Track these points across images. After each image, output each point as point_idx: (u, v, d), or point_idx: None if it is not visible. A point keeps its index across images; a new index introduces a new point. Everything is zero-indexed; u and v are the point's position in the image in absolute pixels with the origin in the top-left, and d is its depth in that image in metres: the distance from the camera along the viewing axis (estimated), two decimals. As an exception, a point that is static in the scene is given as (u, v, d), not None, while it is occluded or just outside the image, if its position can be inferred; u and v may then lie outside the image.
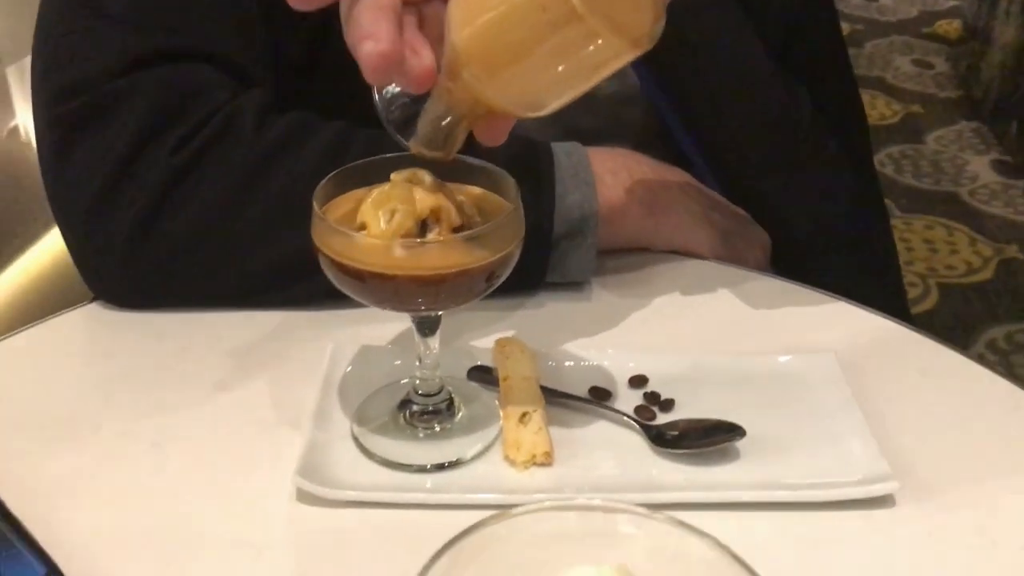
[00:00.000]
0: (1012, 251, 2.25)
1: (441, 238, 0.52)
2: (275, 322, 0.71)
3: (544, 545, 0.34)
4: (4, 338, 0.71)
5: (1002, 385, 0.64)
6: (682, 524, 0.35)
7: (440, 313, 0.57)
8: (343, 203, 0.56)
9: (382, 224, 0.52)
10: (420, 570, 0.33)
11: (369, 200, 0.53)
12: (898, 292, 1.00)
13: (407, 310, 0.55)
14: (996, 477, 0.58)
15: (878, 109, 2.85)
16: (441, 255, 0.51)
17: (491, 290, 0.55)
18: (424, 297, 0.52)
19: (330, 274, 0.53)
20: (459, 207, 0.54)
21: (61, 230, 0.71)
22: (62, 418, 0.63)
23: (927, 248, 2.26)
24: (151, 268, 0.69)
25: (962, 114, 2.84)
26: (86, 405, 0.65)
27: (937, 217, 2.38)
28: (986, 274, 2.17)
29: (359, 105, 0.65)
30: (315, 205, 0.53)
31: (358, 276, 0.52)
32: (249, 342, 0.69)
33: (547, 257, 0.72)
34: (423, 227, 0.52)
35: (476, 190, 0.57)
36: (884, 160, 2.59)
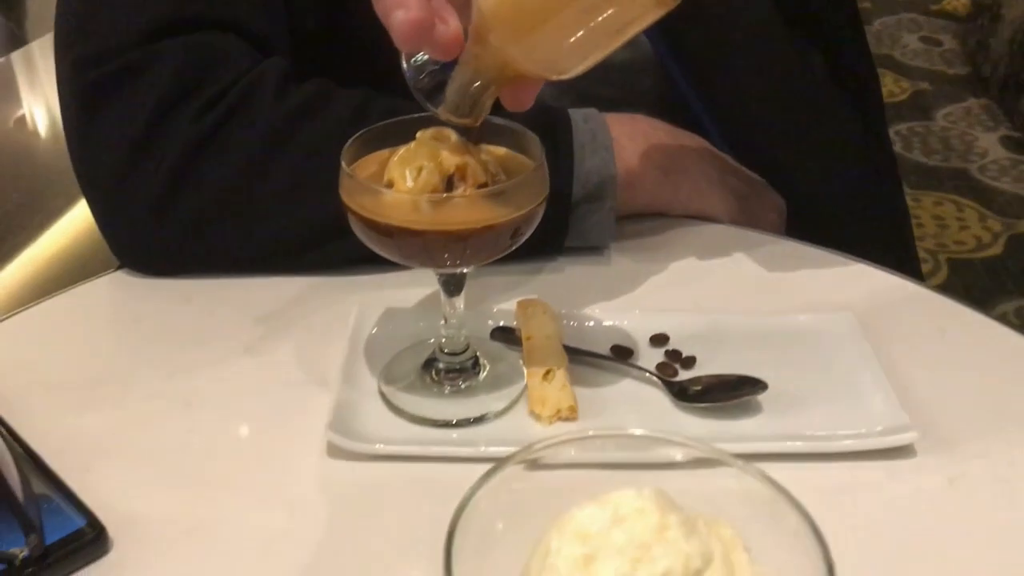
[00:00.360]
0: (1022, 226, 2.25)
1: (467, 193, 0.53)
2: (300, 287, 0.72)
3: (586, 471, 0.35)
4: (31, 306, 0.72)
5: (1020, 341, 0.65)
6: (719, 451, 0.36)
7: (465, 271, 0.57)
8: (369, 164, 0.57)
9: (409, 181, 0.52)
10: (474, 484, 0.33)
11: (396, 158, 0.54)
12: (912, 259, 1.01)
13: (434, 266, 0.56)
14: (1015, 428, 0.58)
15: (887, 87, 2.84)
16: (467, 210, 0.52)
17: (515, 246, 0.56)
18: (450, 252, 0.53)
19: (359, 231, 0.54)
20: (484, 165, 0.55)
21: (87, 197, 0.72)
22: (93, 380, 0.64)
23: (937, 224, 2.27)
24: (177, 233, 0.70)
25: (971, 91, 2.83)
26: (116, 368, 0.66)
27: (946, 193, 2.39)
28: (996, 249, 2.18)
29: (375, 74, 0.66)
30: (343, 163, 0.54)
31: (387, 232, 0.52)
32: (275, 306, 0.70)
33: (567, 222, 0.73)
34: (449, 184, 0.53)
35: (500, 150, 0.58)
36: (893, 137, 2.58)
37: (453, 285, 0.58)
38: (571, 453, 0.35)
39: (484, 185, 0.54)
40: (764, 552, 0.32)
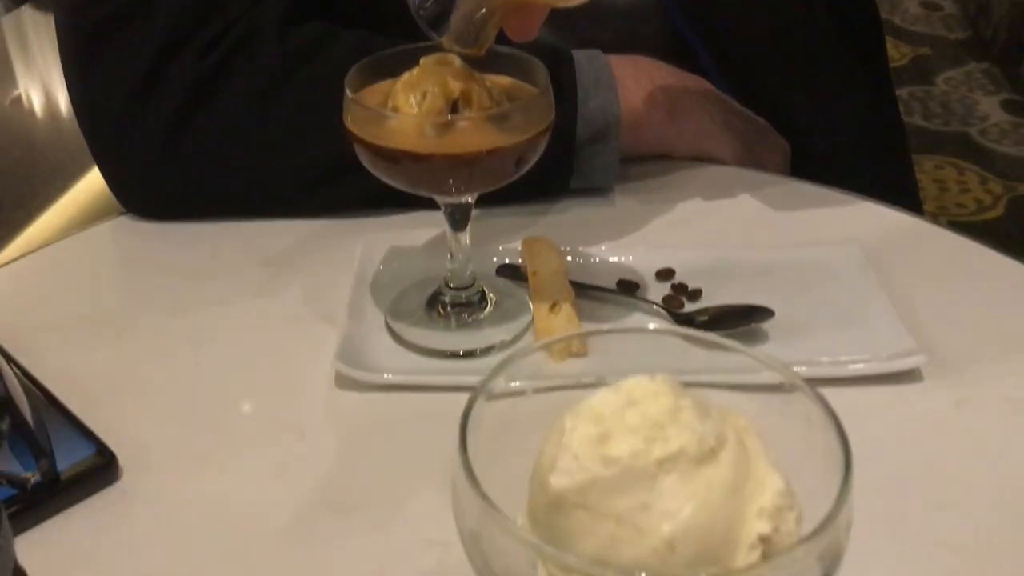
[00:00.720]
0: (1023, 189, 2.25)
1: (472, 116, 0.52)
2: (305, 230, 0.72)
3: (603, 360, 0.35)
4: (36, 250, 0.72)
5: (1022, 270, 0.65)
6: (731, 342, 0.36)
7: (471, 201, 0.57)
8: (373, 94, 0.57)
9: (414, 106, 0.52)
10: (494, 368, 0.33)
11: (400, 83, 0.54)
12: (915, 206, 1.00)
13: (439, 192, 0.55)
14: (1021, 353, 0.59)
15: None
16: (472, 134, 0.52)
17: (519, 174, 0.56)
18: (455, 178, 0.53)
19: (365, 159, 0.54)
20: (488, 92, 0.54)
21: (88, 142, 0.72)
22: (99, 319, 0.64)
23: (937, 187, 2.26)
24: (181, 175, 0.70)
25: (972, 55, 2.82)
26: (121, 307, 0.66)
27: (947, 157, 2.38)
28: (997, 211, 2.17)
29: (375, 19, 0.66)
30: (347, 91, 0.54)
31: (392, 158, 0.52)
32: (278, 248, 0.70)
33: (571, 161, 0.72)
34: (454, 109, 0.53)
35: (505, 79, 0.58)
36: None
37: (459, 217, 0.58)
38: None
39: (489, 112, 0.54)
40: (779, 440, 0.32)
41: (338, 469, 0.52)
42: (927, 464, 0.52)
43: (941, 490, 0.50)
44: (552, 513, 0.29)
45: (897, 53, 2.84)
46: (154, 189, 0.71)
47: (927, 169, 2.32)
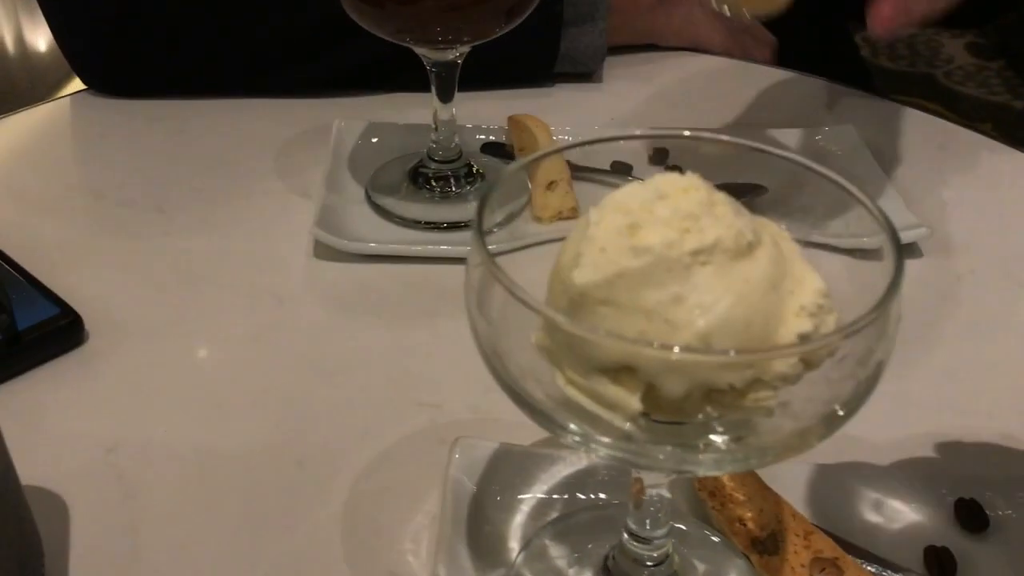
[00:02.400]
0: (986, 129, 2.26)
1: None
2: (276, 105, 0.68)
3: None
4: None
5: (1020, 156, 0.64)
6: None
7: (458, 59, 0.54)
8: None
9: (403, -53, 0.49)
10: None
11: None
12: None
13: (426, 43, 0.52)
14: (1020, 230, 0.57)
15: (854, -7, 2.81)
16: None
17: (509, 27, 0.52)
18: (444, 25, 0.50)
19: (348, 5, 0.51)
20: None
21: (46, 14, 0.67)
22: (60, 190, 0.61)
23: (903, 126, 2.26)
24: (145, 42, 0.66)
25: (938, -2, 2.81)
26: (84, 178, 0.62)
27: (912, 97, 2.38)
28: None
29: None
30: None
31: (377, 2, 0.49)
32: (248, 125, 0.66)
33: (556, 41, 0.69)
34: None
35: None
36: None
37: (445, 76, 0.55)
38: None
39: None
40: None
41: (320, 335, 0.49)
42: (929, 337, 0.50)
43: (942, 363, 0.49)
44: (575, 313, 0.27)
45: (865, -6, 2.83)
46: (116, 59, 0.67)
47: (893, 108, 2.32)
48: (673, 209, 0.27)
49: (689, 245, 0.26)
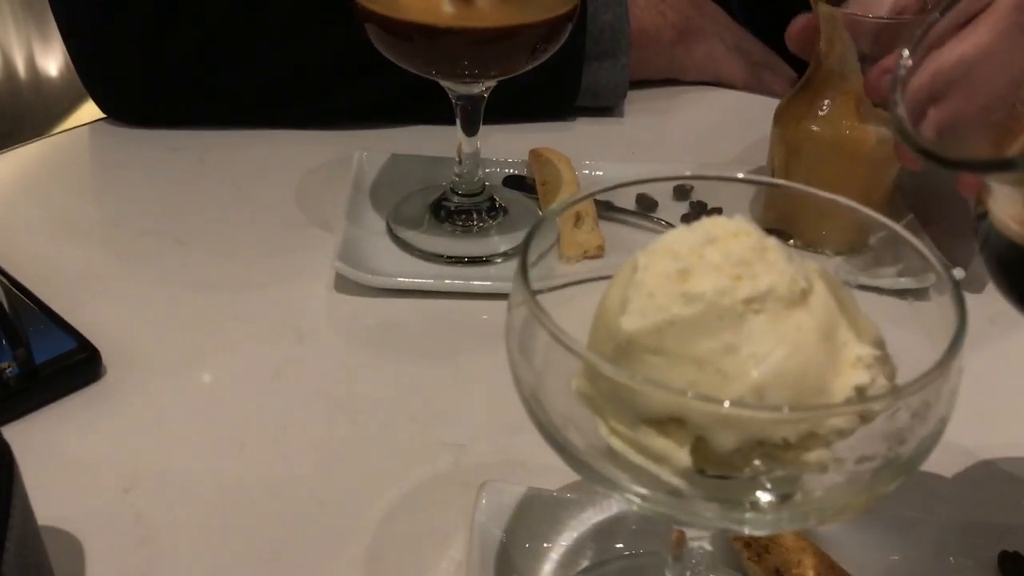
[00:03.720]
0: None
1: (491, -5, 0.49)
2: (295, 139, 0.68)
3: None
4: (10, 149, 0.67)
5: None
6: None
7: (484, 93, 0.54)
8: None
9: (431, -20, 0.48)
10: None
11: (417, -41, 0.50)
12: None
13: (453, 75, 0.51)
14: None
15: None
16: (491, 11, 0.48)
17: (536, 62, 0.52)
18: (471, 59, 0.49)
19: (375, 37, 0.50)
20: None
21: (67, 44, 0.67)
22: (77, 220, 0.60)
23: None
24: (167, 73, 0.65)
25: None
26: (101, 209, 0.62)
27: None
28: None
29: None
30: (358, -35, 0.50)
31: (406, 35, 0.48)
32: (269, 155, 0.66)
33: (578, 76, 0.69)
34: (473, -14, 0.49)
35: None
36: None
37: (471, 111, 0.54)
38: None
39: (507, -1, 0.50)
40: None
41: (341, 371, 0.49)
42: (964, 375, 0.49)
43: (978, 402, 0.48)
44: (621, 362, 0.26)
45: None
46: (137, 89, 0.67)
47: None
48: (724, 254, 0.26)
49: (742, 293, 0.25)
